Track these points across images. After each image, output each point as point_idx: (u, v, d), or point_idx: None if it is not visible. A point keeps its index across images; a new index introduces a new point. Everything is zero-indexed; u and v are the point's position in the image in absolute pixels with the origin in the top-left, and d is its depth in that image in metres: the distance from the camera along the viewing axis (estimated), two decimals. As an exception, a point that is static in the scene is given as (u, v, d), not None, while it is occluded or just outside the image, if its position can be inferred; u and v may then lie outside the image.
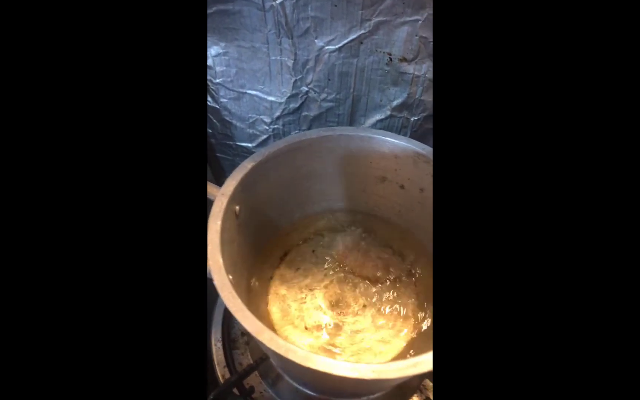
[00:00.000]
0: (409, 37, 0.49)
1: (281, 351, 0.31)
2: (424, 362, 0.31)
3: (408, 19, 0.47)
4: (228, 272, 0.35)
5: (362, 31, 0.49)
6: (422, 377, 0.49)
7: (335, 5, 0.47)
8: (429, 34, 0.48)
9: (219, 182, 0.42)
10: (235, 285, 0.39)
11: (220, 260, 0.35)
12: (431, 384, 0.48)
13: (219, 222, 0.37)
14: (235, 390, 0.46)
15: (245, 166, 0.42)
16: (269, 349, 0.31)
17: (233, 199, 0.41)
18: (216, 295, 0.49)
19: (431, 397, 0.48)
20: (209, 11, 0.48)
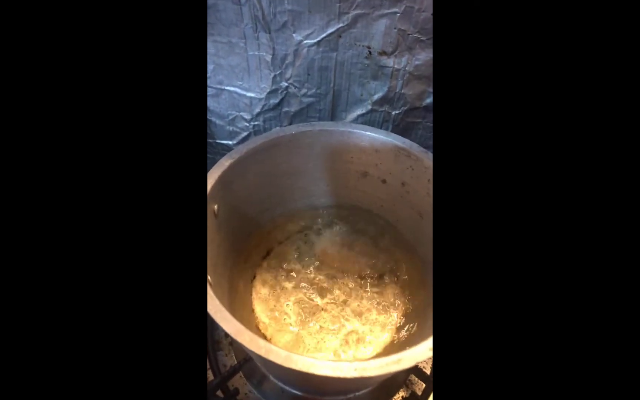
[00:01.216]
0: (388, 30, 0.49)
1: (261, 352, 0.30)
2: (407, 359, 0.30)
3: (386, 11, 0.47)
4: (207, 273, 0.35)
5: (341, 24, 0.48)
6: (407, 372, 0.49)
7: (313, -2, 0.46)
8: (407, 27, 0.48)
9: (197, 181, 0.41)
10: (216, 285, 0.38)
11: (198, 261, 0.34)
12: (417, 379, 0.48)
13: (196, 222, 0.36)
14: (219, 393, 0.45)
15: (223, 164, 0.41)
16: (249, 350, 0.30)
17: (211, 197, 0.40)
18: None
19: (417, 391, 0.48)
20: (183, 6, 0.47)
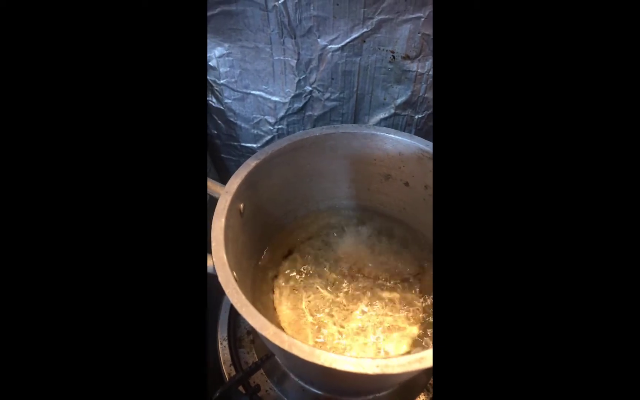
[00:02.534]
0: (412, 34, 0.49)
1: (285, 346, 0.31)
2: (429, 358, 0.30)
3: (410, 16, 0.47)
4: (232, 269, 0.36)
5: (365, 29, 0.49)
6: (428, 375, 0.49)
7: (338, 4, 0.47)
8: (431, 31, 0.48)
9: (224, 183, 0.43)
10: (240, 282, 0.39)
11: (225, 257, 0.35)
12: (438, 382, 0.48)
13: (223, 220, 0.38)
14: (240, 388, 0.46)
15: (249, 164, 0.43)
16: (272, 344, 0.31)
17: (237, 196, 0.41)
18: (222, 294, 0.49)
19: (438, 395, 0.48)
20: (212, 12, 0.49)
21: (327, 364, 0.30)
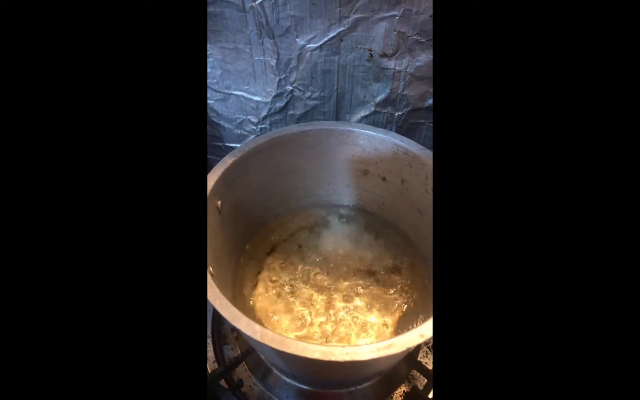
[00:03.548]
0: (388, 32, 0.50)
1: (257, 336, 0.31)
2: (398, 344, 0.31)
3: (385, 14, 0.48)
4: (209, 264, 0.36)
5: (342, 28, 0.50)
6: (408, 366, 0.49)
7: (314, 4, 0.48)
8: (406, 29, 0.49)
9: (209, 183, 0.43)
10: (219, 278, 0.40)
11: (200, 252, 0.36)
12: (419, 374, 0.49)
13: (200, 216, 0.38)
14: (223, 383, 0.47)
15: (226, 161, 0.43)
16: (246, 335, 0.32)
17: (214, 193, 0.42)
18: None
19: (418, 386, 0.48)
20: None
21: (297, 352, 0.31)
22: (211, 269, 0.36)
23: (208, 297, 0.33)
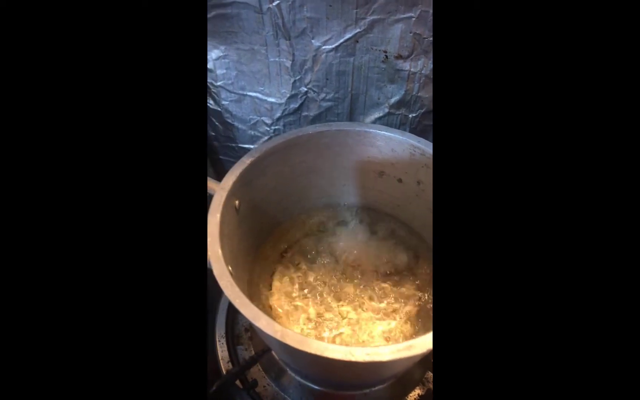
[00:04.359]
0: (404, 34, 0.50)
1: (277, 336, 0.31)
2: (418, 345, 0.31)
3: (401, 16, 0.48)
4: (227, 263, 0.36)
5: (358, 30, 0.50)
6: (423, 368, 0.49)
7: (330, 5, 0.48)
8: (422, 31, 0.49)
9: (222, 183, 0.43)
10: (236, 278, 0.40)
11: (219, 251, 0.36)
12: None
13: (218, 216, 0.39)
14: (238, 383, 0.47)
15: (244, 161, 0.43)
16: (266, 334, 0.32)
17: (232, 193, 0.42)
18: (220, 292, 0.50)
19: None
20: (208, 15, 0.50)
21: (318, 352, 0.31)
22: (230, 268, 0.36)
23: (228, 296, 0.34)
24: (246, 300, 0.33)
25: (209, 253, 0.36)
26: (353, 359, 0.30)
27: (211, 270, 0.36)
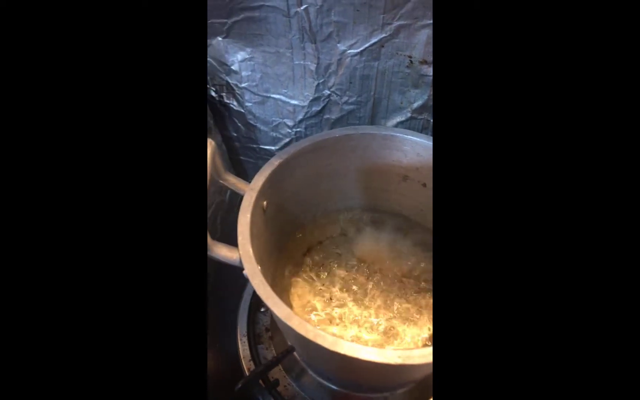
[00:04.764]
0: (429, 40, 0.50)
1: (310, 336, 0.32)
2: (449, 349, 0.31)
3: (428, 22, 0.49)
4: (258, 263, 0.37)
5: (384, 35, 0.51)
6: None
7: (358, 10, 0.49)
8: (449, 36, 0.49)
9: (243, 184, 0.44)
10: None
11: (251, 250, 0.36)
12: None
13: (249, 216, 0.39)
14: (260, 382, 0.48)
15: (273, 163, 0.44)
16: (297, 334, 0.32)
17: (261, 194, 0.42)
18: (242, 290, 0.50)
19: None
20: (236, 18, 0.51)
21: (350, 353, 0.31)
22: (260, 267, 0.37)
23: (260, 295, 0.34)
24: (278, 300, 0.34)
25: (241, 252, 0.37)
26: (385, 361, 0.31)
27: (240, 269, 0.36)
